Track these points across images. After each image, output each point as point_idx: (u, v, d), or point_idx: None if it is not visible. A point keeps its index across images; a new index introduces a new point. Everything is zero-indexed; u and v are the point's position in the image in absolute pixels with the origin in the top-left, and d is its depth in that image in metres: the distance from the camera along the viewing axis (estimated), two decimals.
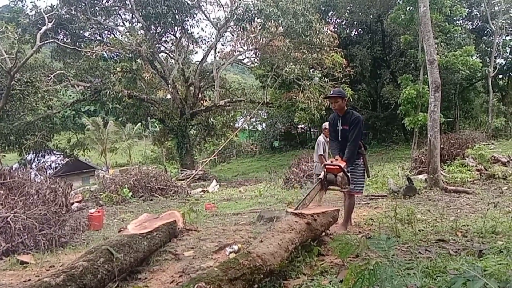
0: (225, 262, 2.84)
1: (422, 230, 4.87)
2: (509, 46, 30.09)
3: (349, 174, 4.93)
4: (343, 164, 4.85)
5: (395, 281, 2.24)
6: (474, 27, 30.20)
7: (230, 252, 4.09)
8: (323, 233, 4.51)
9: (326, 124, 8.36)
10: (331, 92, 5.43)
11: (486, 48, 28.20)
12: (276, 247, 3.22)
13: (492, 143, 18.22)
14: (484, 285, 2.06)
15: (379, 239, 2.77)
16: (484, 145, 13.89)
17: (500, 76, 32.22)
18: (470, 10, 28.08)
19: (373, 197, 8.52)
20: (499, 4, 27.22)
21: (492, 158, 11.55)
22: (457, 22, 25.70)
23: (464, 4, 23.91)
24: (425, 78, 18.38)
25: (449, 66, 20.49)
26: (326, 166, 5.01)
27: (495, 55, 26.91)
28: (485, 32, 29.55)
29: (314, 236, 4.09)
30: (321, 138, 8.41)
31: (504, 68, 30.35)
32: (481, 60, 23.60)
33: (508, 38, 29.71)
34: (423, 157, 11.66)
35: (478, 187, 9.02)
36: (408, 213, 5.40)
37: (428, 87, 10.04)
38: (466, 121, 29.66)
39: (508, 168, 10.44)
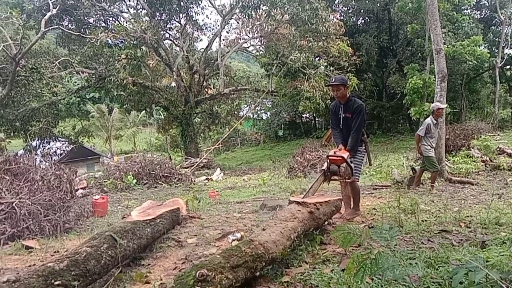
0: (227, 249, 2.85)
1: (425, 221, 4.86)
2: None
3: (352, 165, 4.87)
4: (346, 155, 4.79)
5: (397, 270, 2.24)
6: (482, 16, 29.82)
7: (233, 240, 4.11)
8: (326, 222, 4.52)
9: (438, 104, 7.98)
10: (333, 79, 5.26)
11: (494, 38, 27.85)
12: (279, 236, 3.22)
13: (498, 134, 18.09)
14: (486, 276, 2.06)
15: (381, 229, 2.76)
16: (489, 136, 13.82)
17: (508, 67, 31.81)
18: None
19: (377, 187, 8.51)
20: None
21: (498, 149, 11.51)
22: (465, 11, 25.39)
23: None
24: (431, 68, 18.26)
25: (456, 56, 20.32)
26: (329, 157, 4.93)
27: (503, 45, 26.62)
28: (493, 22, 29.17)
29: (316, 225, 4.10)
30: (428, 120, 7.80)
31: None
32: (488, 51, 23.42)
33: None
34: None
35: (482, 178, 9.00)
36: (411, 203, 5.39)
37: (435, 77, 9.96)
38: (472, 112, 29.49)
39: None
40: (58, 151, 24.25)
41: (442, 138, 8.92)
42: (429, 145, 7.71)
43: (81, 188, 10.68)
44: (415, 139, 7.93)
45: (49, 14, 17.20)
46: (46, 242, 4.86)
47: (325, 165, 4.99)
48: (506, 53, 28.42)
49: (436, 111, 7.73)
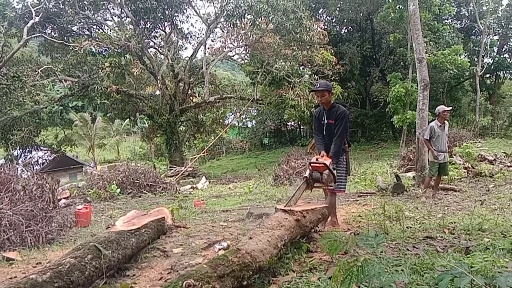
0: (214, 259, 2.83)
1: (410, 227, 4.91)
2: (497, 45, 30.51)
3: (334, 172, 4.79)
4: (328, 162, 4.72)
5: (383, 277, 2.25)
6: (462, 26, 30.55)
7: (219, 249, 4.08)
8: (312, 230, 4.52)
9: (443, 107, 7.82)
10: (317, 85, 5.23)
11: (474, 48, 28.52)
12: (265, 244, 3.21)
13: (479, 142, 18.42)
14: (471, 282, 2.08)
15: (367, 236, 2.78)
16: (471, 143, 14.07)
17: (488, 75, 32.61)
18: (458, 9, 28.38)
19: (361, 194, 8.57)
20: (487, 4, 27.53)
21: (479, 156, 11.71)
22: (446, 21, 26.01)
23: (453, 3, 24.13)
24: (414, 77, 18.52)
25: (437, 64, 20.67)
26: (312, 164, 4.84)
27: (483, 54, 27.24)
28: (473, 31, 29.90)
29: (303, 233, 4.09)
30: (432, 123, 7.73)
31: (492, 67, 30.71)
32: (469, 59, 23.87)
33: (495, 37, 30.10)
34: (411, 155, 11.77)
35: (465, 184, 9.13)
36: (396, 210, 5.44)
37: (417, 86, 10.12)
38: (454, 120, 29.94)
39: (495, 166, 10.60)
40: (40, 161, 23.79)
41: (425, 146, 9.04)
42: (435, 149, 7.70)
43: (64, 198, 10.50)
44: (425, 144, 7.95)
45: (31, 21, 17.03)
46: (27, 253, 4.76)
47: (307, 172, 4.90)
48: (485, 62, 29.09)
49: (441, 113, 7.61)
